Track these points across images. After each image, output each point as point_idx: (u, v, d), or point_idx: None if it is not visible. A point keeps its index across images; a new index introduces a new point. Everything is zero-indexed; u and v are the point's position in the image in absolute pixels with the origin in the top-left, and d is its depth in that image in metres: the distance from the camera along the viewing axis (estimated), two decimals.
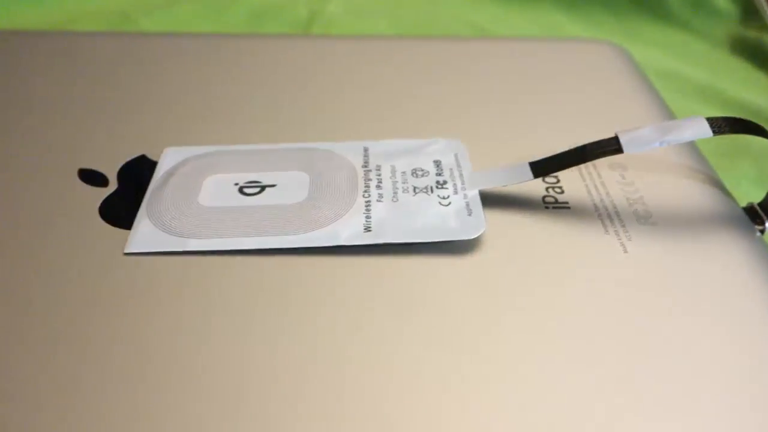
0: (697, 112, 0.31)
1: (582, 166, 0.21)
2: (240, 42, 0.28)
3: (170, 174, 0.19)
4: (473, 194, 0.19)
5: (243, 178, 0.19)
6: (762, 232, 0.21)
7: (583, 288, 0.17)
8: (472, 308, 0.16)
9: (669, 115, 0.26)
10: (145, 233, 0.17)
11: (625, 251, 0.18)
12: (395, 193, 0.19)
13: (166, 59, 0.26)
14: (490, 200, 0.19)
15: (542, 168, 0.19)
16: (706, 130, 0.18)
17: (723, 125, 0.18)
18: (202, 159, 0.20)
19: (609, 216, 0.19)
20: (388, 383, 0.14)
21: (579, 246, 0.18)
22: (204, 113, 0.22)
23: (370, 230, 0.17)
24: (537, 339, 0.15)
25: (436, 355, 0.15)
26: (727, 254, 0.18)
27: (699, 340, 0.16)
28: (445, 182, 0.19)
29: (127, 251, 0.17)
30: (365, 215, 0.18)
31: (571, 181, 0.21)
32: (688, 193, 0.21)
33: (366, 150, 0.20)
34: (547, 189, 0.20)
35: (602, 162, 0.22)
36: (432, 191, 0.19)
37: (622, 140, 0.18)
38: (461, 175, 0.19)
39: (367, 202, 0.18)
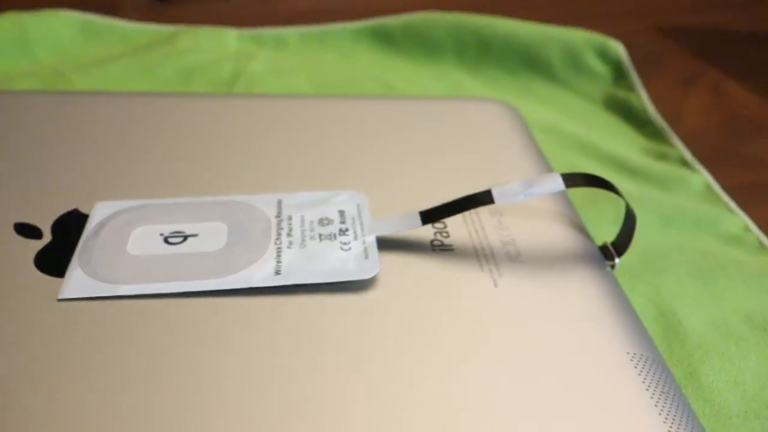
0: (575, 163, 0.35)
1: (466, 213, 0.24)
2: (166, 100, 0.30)
3: (101, 226, 0.21)
4: (371, 240, 0.21)
5: (168, 229, 0.21)
6: (612, 267, 0.24)
7: (458, 319, 0.19)
8: (366, 339, 0.18)
9: (546, 167, 0.29)
10: (77, 280, 0.19)
11: (496, 286, 0.21)
12: (303, 240, 0.21)
13: (98, 117, 0.27)
14: (387, 244, 0.22)
15: (430, 216, 0.22)
16: (560, 185, 0.21)
17: (574, 180, 0.22)
18: (131, 212, 0.22)
19: (485, 256, 0.22)
20: (291, 413, 0.16)
21: (457, 282, 0.21)
22: (132, 168, 0.24)
23: (279, 273, 0.20)
24: (418, 367, 0.18)
25: (332, 383, 0.17)
26: (580, 287, 0.21)
27: (554, 364, 0.19)
28: (347, 230, 0.22)
29: (60, 297, 0.19)
30: (276, 260, 0.20)
31: (457, 226, 0.24)
32: (553, 235, 0.24)
33: (280, 202, 0.23)
34: (435, 233, 0.23)
35: (484, 209, 0.25)
36: (335, 238, 0.21)
37: (494, 193, 0.22)
38: (361, 223, 0.22)
39: (278, 248, 0.21)
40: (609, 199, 0.32)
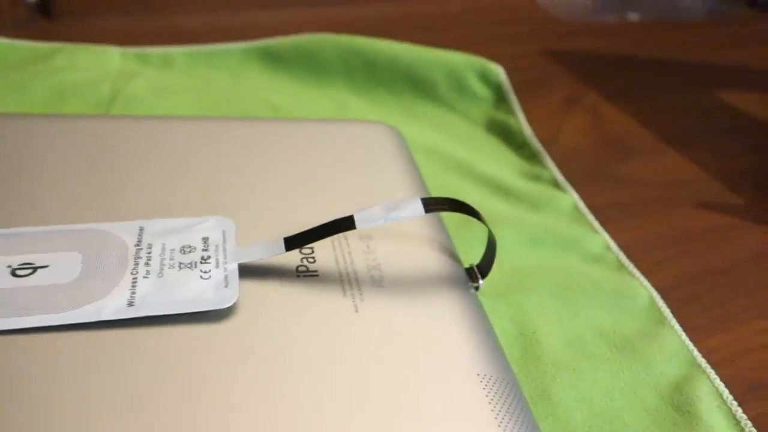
0: (452, 184, 0.36)
1: (334, 237, 0.25)
2: (28, 121, 0.28)
3: None
4: (232, 268, 0.21)
5: (16, 260, 0.20)
6: (476, 288, 0.25)
7: (315, 347, 0.20)
8: (220, 370, 0.18)
9: (422, 189, 0.30)
10: None
11: (356, 311, 0.21)
12: (162, 269, 0.21)
13: None
14: (252, 272, 0.22)
15: (294, 242, 0.22)
16: (420, 210, 0.22)
17: (435, 205, 0.22)
18: None
19: (349, 281, 0.22)
20: None
21: (317, 308, 0.21)
22: None
23: (133, 305, 0.19)
24: (272, 396, 0.18)
25: (191, 414, 0.17)
26: (440, 310, 0.22)
27: (404, 388, 0.19)
28: (209, 257, 0.22)
29: None
30: (130, 291, 0.20)
31: (324, 250, 0.24)
32: (420, 258, 0.24)
33: (141, 229, 0.22)
34: (301, 259, 0.23)
35: (354, 233, 0.25)
36: (196, 266, 0.21)
37: (356, 218, 0.22)
38: (225, 251, 0.22)
39: (134, 278, 0.20)
40: (478, 222, 0.33)
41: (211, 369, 0.18)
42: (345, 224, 0.22)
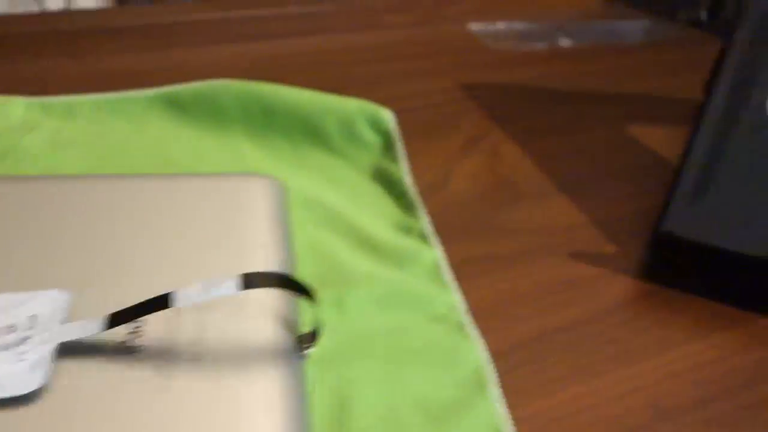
0: (324, 240, 0.37)
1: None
2: None
3: None
4: (49, 349, 0.22)
5: None
6: (306, 355, 0.26)
7: (124, 425, 0.21)
8: None
9: (285, 249, 0.31)
10: None
11: (170, 388, 0.22)
12: None
13: None
14: (74, 350, 0.23)
15: (117, 320, 0.23)
16: (233, 290, 0.23)
17: (253, 282, 0.24)
18: None
19: (171, 356, 0.23)
20: None
21: (131, 387, 0.22)
22: None
23: None
24: None
25: None
26: (256, 383, 0.23)
27: None
28: (28, 338, 0.22)
29: None
30: None
31: (153, 324, 0.25)
32: (252, 329, 0.25)
33: None
34: (128, 334, 0.24)
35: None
36: (9, 348, 0.22)
37: (174, 297, 0.23)
38: (49, 329, 0.23)
39: None
40: (337, 281, 0.34)
41: None
42: (162, 303, 0.23)
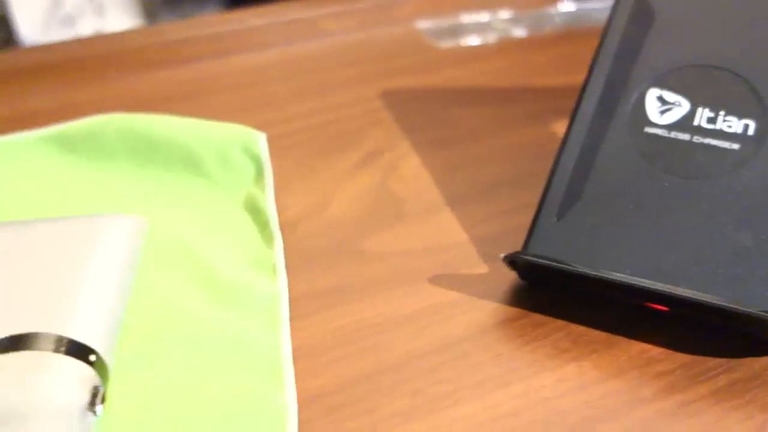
0: (170, 284, 0.35)
1: None
2: None
3: None
4: None
5: None
6: (95, 413, 0.26)
7: None
8: None
9: (115, 294, 0.31)
10: None
11: None
12: None
13: None
14: None
15: None
16: None
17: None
18: None
19: None
20: None
21: None
22: None
23: None
24: None
25: None
26: None
27: None
28: None
29: None
30: None
31: None
32: (41, 390, 0.25)
33: None
34: None
35: None
36: None
37: None
38: None
39: None
40: (160, 330, 0.33)
41: None
42: None
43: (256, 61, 0.60)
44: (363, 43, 0.63)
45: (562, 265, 0.32)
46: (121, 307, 0.32)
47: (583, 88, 0.37)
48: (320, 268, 0.37)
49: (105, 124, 0.45)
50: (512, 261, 0.34)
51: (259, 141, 0.43)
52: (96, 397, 0.26)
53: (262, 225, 0.39)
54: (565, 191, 0.35)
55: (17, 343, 0.26)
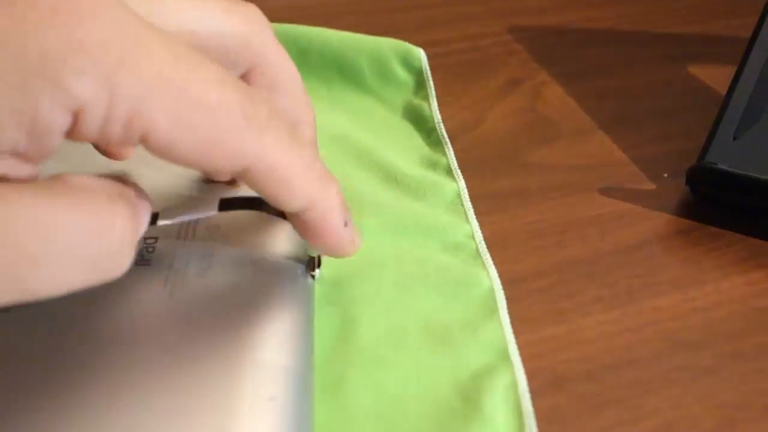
0: (348, 172, 0.36)
1: (181, 227, 0.26)
2: None
3: None
4: None
5: None
6: (313, 277, 0.26)
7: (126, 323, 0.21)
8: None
9: None
10: None
11: (170, 297, 0.23)
12: None
13: None
14: None
15: None
16: (214, 209, 0.24)
17: (230, 205, 0.24)
18: None
19: (176, 272, 0.24)
20: None
21: (136, 294, 0.23)
22: None
23: None
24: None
25: None
26: (259, 298, 0.23)
27: (187, 366, 0.20)
28: None
29: None
30: None
31: (165, 240, 0.25)
32: (262, 247, 0.25)
33: None
34: (146, 246, 0.24)
35: (204, 220, 0.26)
36: None
37: (160, 214, 0.23)
38: None
39: None
40: (353, 210, 0.33)
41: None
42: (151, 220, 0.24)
43: None
44: None
45: (750, 174, 0.33)
46: None
47: (762, 16, 0.37)
48: (490, 174, 0.38)
49: None
50: (694, 171, 0.34)
51: (419, 54, 0.44)
52: (311, 263, 0.27)
53: (428, 131, 0.40)
54: (743, 113, 0.35)
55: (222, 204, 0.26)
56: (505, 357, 0.26)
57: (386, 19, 0.55)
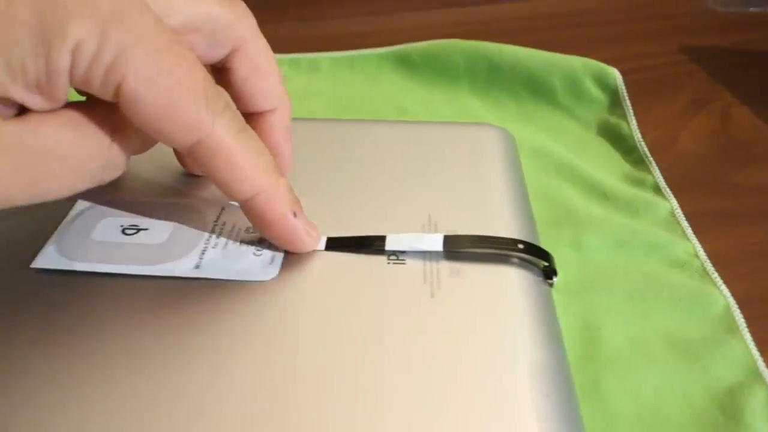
0: (554, 186, 0.36)
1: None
2: None
3: (78, 216, 0.25)
4: (281, 251, 0.24)
5: (127, 221, 0.25)
6: (551, 285, 0.26)
7: (389, 321, 0.22)
8: (263, 328, 0.21)
9: (522, 192, 0.30)
10: (47, 255, 0.23)
11: (432, 296, 0.23)
12: (227, 243, 0.24)
13: None
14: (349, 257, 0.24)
15: (333, 244, 0.25)
16: (439, 245, 0.24)
17: (452, 243, 0.24)
18: (102, 206, 0.26)
19: (432, 272, 0.24)
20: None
21: (397, 290, 0.23)
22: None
23: (198, 267, 0.23)
24: (302, 348, 0.21)
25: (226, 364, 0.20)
26: (510, 300, 0.23)
27: (455, 365, 0.21)
28: (264, 239, 0.24)
29: (32, 266, 0.23)
30: (200, 257, 0.23)
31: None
32: (501, 255, 0.25)
33: (223, 209, 0.26)
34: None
35: (441, 227, 0.26)
36: (252, 245, 0.24)
37: (387, 240, 0.25)
38: None
39: (204, 247, 0.24)
40: (571, 223, 0.33)
41: (252, 325, 0.22)
42: (378, 244, 0.25)
43: (533, 10, 0.60)
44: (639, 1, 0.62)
45: None
46: (529, 208, 0.32)
47: None
48: (697, 194, 0.36)
49: (448, 47, 0.47)
50: None
51: (613, 73, 0.43)
52: (547, 271, 0.26)
53: (627, 150, 0.39)
54: None
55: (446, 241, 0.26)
56: (756, 375, 0.25)
57: (553, 36, 0.55)
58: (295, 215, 0.23)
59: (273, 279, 0.23)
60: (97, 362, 0.20)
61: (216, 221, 0.25)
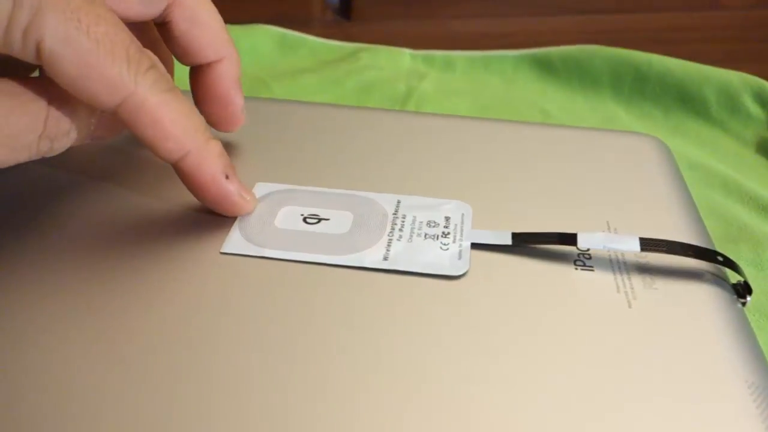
0: (719, 202, 0.34)
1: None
2: (348, 112, 0.33)
3: (259, 201, 0.25)
4: (466, 245, 0.23)
5: (307, 211, 0.25)
6: (743, 304, 0.24)
7: (585, 330, 0.21)
8: (453, 321, 0.21)
9: (691, 205, 0.28)
10: (235, 240, 0.23)
11: (630, 307, 0.22)
12: (411, 236, 0.24)
13: (293, 122, 0.31)
14: (534, 254, 0.24)
15: (520, 239, 0.24)
16: (636, 247, 0.23)
17: (650, 245, 0.23)
18: (282, 193, 0.26)
19: (623, 281, 0.23)
20: (384, 378, 0.19)
21: (590, 297, 0.22)
22: (291, 160, 0.28)
23: (387, 259, 0.23)
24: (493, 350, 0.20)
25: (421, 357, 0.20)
26: (709, 317, 0.22)
27: (670, 386, 0.19)
28: (448, 233, 0.24)
29: (222, 251, 0.23)
30: (386, 249, 0.23)
31: (599, 251, 0.24)
32: (689, 268, 0.24)
33: (399, 202, 0.26)
34: (578, 254, 0.24)
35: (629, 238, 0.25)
36: (437, 239, 0.24)
37: (579, 238, 0.23)
38: (462, 230, 0.24)
39: (389, 239, 0.24)
40: (748, 240, 0.31)
41: (441, 319, 0.21)
42: (568, 240, 0.23)
43: (670, 22, 0.57)
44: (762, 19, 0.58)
45: None
46: (701, 221, 0.30)
47: None
48: None
49: (591, 53, 0.45)
50: None
51: None
52: (741, 291, 0.25)
53: None
54: None
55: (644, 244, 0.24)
56: None
57: (694, 49, 0.52)
58: (227, 177, 0.22)
59: (463, 275, 0.22)
60: (299, 351, 0.20)
61: (395, 213, 0.25)
